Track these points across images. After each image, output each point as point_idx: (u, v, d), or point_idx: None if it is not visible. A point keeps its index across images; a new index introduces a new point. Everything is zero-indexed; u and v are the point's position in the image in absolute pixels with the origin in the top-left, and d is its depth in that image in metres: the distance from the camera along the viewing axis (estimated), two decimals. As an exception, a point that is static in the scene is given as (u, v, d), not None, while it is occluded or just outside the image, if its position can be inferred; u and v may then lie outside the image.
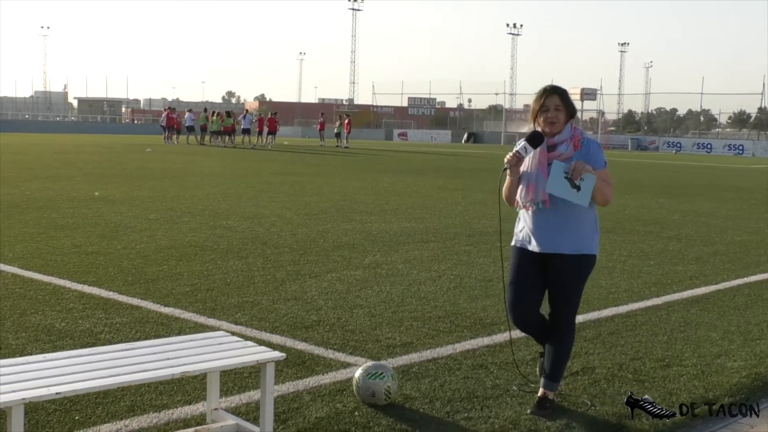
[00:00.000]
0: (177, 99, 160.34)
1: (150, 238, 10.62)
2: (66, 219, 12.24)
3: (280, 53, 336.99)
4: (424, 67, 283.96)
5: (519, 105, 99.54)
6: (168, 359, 3.95)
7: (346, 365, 5.48)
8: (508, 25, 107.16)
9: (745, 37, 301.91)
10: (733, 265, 9.98)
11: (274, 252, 9.83)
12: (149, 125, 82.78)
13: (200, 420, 4.44)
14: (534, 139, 4.64)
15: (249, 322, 6.52)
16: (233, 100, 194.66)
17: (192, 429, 4.22)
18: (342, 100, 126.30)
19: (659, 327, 6.84)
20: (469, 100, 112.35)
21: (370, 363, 4.96)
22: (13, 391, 3.42)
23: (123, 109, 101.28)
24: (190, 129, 47.64)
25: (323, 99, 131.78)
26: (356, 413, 4.63)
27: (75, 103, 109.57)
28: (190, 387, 4.95)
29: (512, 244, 4.88)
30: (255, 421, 4.36)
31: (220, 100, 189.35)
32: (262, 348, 4.24)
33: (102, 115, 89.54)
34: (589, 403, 4.92)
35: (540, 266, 4.74)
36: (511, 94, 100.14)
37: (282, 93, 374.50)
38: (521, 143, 4.66)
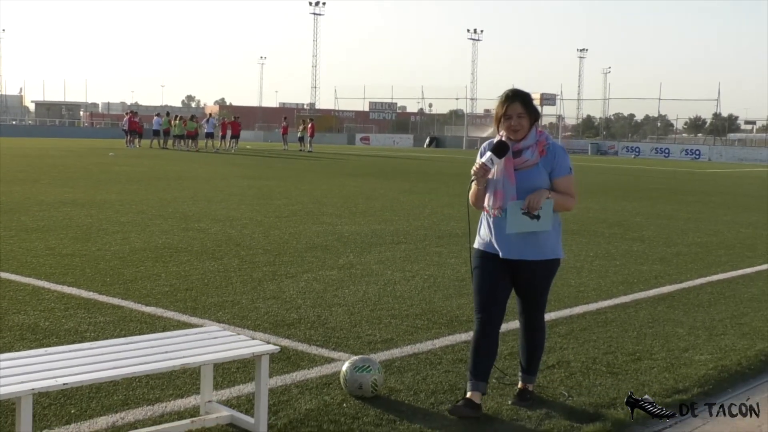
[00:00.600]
0: (136, 103, 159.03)
1: (124, 240, 10.67)
2: (37, 222, 12.24)
3: (240, 57, 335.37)
4: (385, 72, 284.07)
5: (479, 109, 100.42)
6: (167, 352, 4.09)
7: (330, 360, 5.64)
8: (468, 30, 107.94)
9: (702, 44, 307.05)
10: (696, 265, 10.30)
11: (248, 253, 9.95)
12: (108, 129, 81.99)
13: (194, 412, 4.57)
14: (500, 150, 4.66)
15: (231, 320, 6.64)
16: (193, 104, 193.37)
17: (188, 420, 4.35)
18: (303, 104, 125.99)
19: (628, 323, 7.09)
20: (430, 105, 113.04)
21: (356, 357, 5.13)
22: (22, 382, 3.54)
23: (81, 113, 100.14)
24: (156, 133, 47.36)
25: (284, 103, 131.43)
26: (344, 405, 4.79)
27: (32, 107, 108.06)
28: (180, 381, 5.08)
29: (475, 246, 4.90)
30: (247, 413, 4.50)
31: (179, 104, 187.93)
32: (257, 341, 4.39)
33: (60, 119, 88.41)
34: (566, 394, 5.13)
35: (506, 269, 4.77)
36: (471, 99, 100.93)
37: (242, 97, 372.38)
38: (487, 155, 4.68)
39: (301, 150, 49.03)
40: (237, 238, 11.22)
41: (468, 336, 6.41)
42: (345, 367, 5.00)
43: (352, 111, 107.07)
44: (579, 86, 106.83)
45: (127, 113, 51.59)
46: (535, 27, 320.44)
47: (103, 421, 4.41)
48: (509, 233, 4.66)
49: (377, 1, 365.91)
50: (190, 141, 45.75)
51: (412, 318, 6.97)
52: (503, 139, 4.72)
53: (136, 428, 4.29)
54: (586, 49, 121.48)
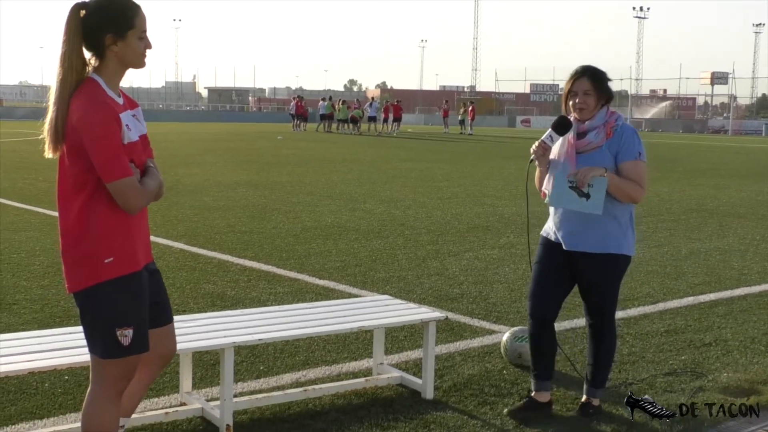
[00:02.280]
0: (300, 87, 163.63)
1: (295, 220, 11.38)
2: (217, 202, 13.18)
3: (401, 41, 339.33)
4: (546, 53, 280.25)
5: (645, 90, 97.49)
6: (345, 317, 4.58)
7: (491, 332, 6.02)
8: (634, 8, 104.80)
9: None
10: None
11: (412, 233, 10.42)
12: (275, 113, 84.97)
13: (366, 373, 5.05)
14: (560, 126, 4.33)
15: (398, 294, 7.10)
16: (355, 88, 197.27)
17: (362, 379, 4.82)
18: (463, 87, 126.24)
19: (792, 306, 7.07)
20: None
21: (516, 328, 5.47)
22: (225, 337, 4.11)
23: (250, 99, 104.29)
24: (323, 117, 48.85)
25: (444, 86, 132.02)
26: (504, 372, 5.15)
27: (204, 93, 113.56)
28: (353, 346, 5.58)
29: (541, 233, 4.64)
30: (414, 375, 4.94)
31: (342, 89, 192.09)
32: (425, 309, 4.83)
33: (231, 104, 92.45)
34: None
35: (565, 260, 4.43)
36: (636, 80, 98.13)
37: (403, 81, 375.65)
38: (547, 132, 4.39)
39: (461, 133, 49.38)
40: (401, 218, 11.73)
41: (624, 314, 6.61)
42: (505, 337, 5.35)
43: (513, 93, 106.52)
44: (754, 63, 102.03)
45: (293, 98, 53.51)
46: (704, 2, 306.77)
47: (288, 377, 4.96)
48: (552, 204, 4.38)
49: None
50: (354, 125, 46.97)
51: (570, 295, 7.21)
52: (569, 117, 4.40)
53: (317, 384, 4.80)
54: (762, 24, 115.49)
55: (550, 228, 4.52)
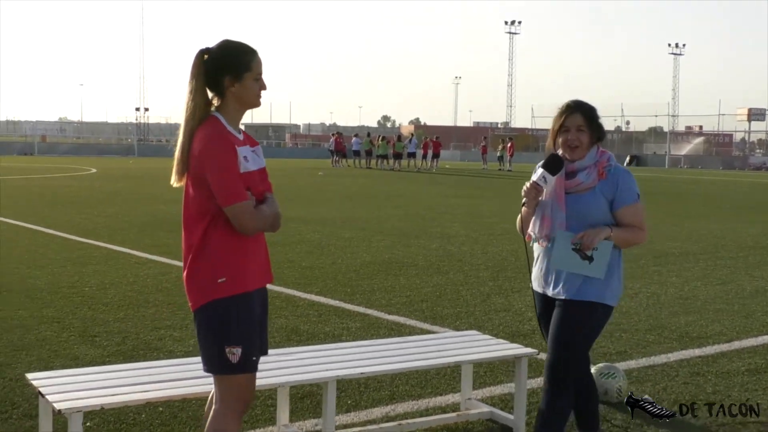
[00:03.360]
0: (334, 123, 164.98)
1: (353, 255, 11.47)
2: (272, 236, 13.05)
3: (435, 78, 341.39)
4: (582, 89, 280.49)
5: (681, 127, 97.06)
6: (439, 351, 4.63)
7: (570, 368, 6.01)
8: (669, 44, 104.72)
9: None
10: None
11: (471, 269, 10.46)
12: (310, 149, 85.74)
13: (454, 408, 5.08)
14: (552, 165, 4.04)
15: (469, 329, 7.12)
16: (388, 124, 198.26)
17: (453, 414, 4.86)
18: (497, 123, 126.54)
19: None
20: (627, 122, 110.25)
21: (602, 364, 5.47)
22: (327, 370, 4.17)
23: (287, 135, 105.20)
24: (357, 153, 49.18)
25: (478, 122, 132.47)
26: (591, 408, 5.14)
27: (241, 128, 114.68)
28: (435, 380, 5.62)
29: (532, 286, 4.32)
30: (502, 410, 4.96)
31: (375, 124, 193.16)
32: (516, 345, 4.86)
33: (267, 140, 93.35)
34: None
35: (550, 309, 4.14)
36: (673, 116, 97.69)
37: (437, 117, 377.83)
38: (539, 172, 4.07)
39: (500, 169, 49.36)
40: (457, 254, 11.77)
41: (701, 352, 6.60)
42: (592, 372, 5.35)
43: (548, 129, 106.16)
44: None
45: (333, 134, 53.89)
46: (740, 38, 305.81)
47: (377, 411, 5.01)
48: (554, 266, 4.05)
49: (573, 20, 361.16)
50: (394, 160, 47.16)
51: (642, 333, 7.22)
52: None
53: (407, 419, 4.84)
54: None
55: (535, 275, 4.24)
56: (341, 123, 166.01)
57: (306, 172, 40.10)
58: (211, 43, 3.47)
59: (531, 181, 4.08)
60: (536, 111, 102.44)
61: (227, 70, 3.38)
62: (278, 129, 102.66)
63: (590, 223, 3.99)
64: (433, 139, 49.04)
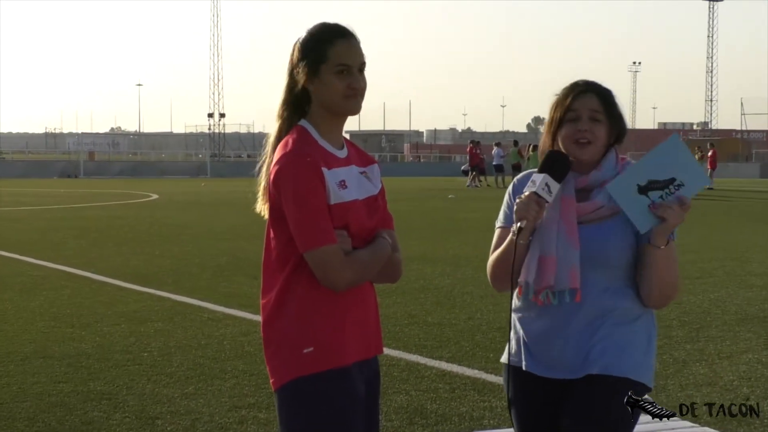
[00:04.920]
0: (469, 129, 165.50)
1: (496, 307, 11.37)
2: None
3: (607, 63, 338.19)
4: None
5: None
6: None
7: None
8: None
9: None
10: None
11: (661, 325, 10.05)
12: (436, 164, 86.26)
13: None
14: (556, 167, 3.56)
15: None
16: (541, 128, 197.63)
17: None
18: (692, 124, 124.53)
19: None
20: None
21: None
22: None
23: (405, 145, 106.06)
24: (499, 168, 49.09)
25: (665, 124, 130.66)
26: None
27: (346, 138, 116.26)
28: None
29: (502, 360, 3.91)
30: None
31: (524, 129, 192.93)
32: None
33: (380, 153, 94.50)
34: None
35: (555, 402, 3.70)
36: None
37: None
38: (540, 178, 3.54)
39: (697, 186, 48.37)
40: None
41: None
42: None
43: (763, 131, 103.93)
44: None
45: (470, 144, 53.88)
46: None
47: None
48: (610, 189, 3.56)
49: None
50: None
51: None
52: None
53: None
54: None
55: (518, 346, 3.79)
56: (477, 129, 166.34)
57: (431, 194, 40.35)
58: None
59: (528, 192, 3.54)
60: (747, 106, 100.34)
61: (302, 62, 3.36)
62: (394, 137, 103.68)
63: (614, 265, 3.60)
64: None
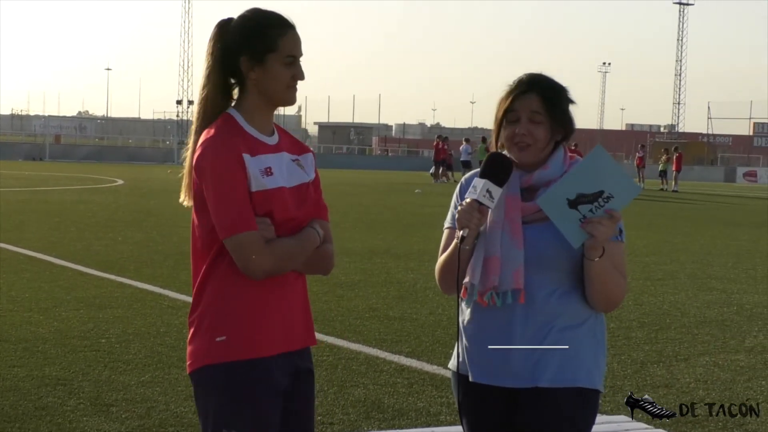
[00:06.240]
0: (438, 124, 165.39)
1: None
2: (349, 276, 13.34)
3: (575, 64, 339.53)
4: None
5: None
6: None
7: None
8: None
9: None
10: None
11: (620, 327, 10.25)
12: (405, 158, 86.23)
13: None
14: (497, 170, 3.46)
15: (615, 410, 6.94)
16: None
17: None
18: (659, 126, 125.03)
19: None
20: None
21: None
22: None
23: (374, 138, 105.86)
24: (467, 164, 49.16)
25: (633, 125, 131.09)
26: None
27: (314, 130, 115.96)
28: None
29: (450, 366, 3.79)
30: None
31: (491, 126, 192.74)
32: None
33: (348, 145, 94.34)
34: None
35: (504, 410, 3.61)
36: None
37: (577, 117, 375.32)
38: (481, 183, 3.45)
39: (662, 188, 48.75)
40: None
41: None
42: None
43: (729, 135, 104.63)
44: None
45: (436, 139, 53.95)
46: None
47: None
48: (539, 203, 3.46)
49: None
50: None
51: None
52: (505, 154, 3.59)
53: None
54: None
55: (465, 352, 3.65)
56: (446, 124, 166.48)
57: (398, 189, 40.35)
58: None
59: (469, 200, 3.44)
60: (715, 110, 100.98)
61: (244, 48, 3.30)
62: (362, 130, 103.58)
63: (557, 268, 3.52)
64: (571, 148, 48.70)
